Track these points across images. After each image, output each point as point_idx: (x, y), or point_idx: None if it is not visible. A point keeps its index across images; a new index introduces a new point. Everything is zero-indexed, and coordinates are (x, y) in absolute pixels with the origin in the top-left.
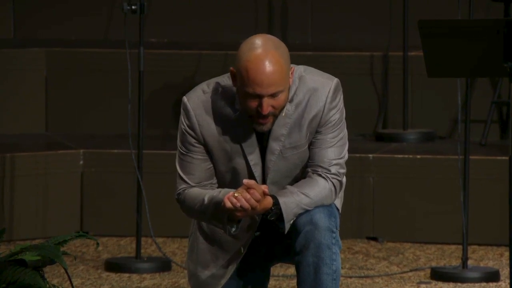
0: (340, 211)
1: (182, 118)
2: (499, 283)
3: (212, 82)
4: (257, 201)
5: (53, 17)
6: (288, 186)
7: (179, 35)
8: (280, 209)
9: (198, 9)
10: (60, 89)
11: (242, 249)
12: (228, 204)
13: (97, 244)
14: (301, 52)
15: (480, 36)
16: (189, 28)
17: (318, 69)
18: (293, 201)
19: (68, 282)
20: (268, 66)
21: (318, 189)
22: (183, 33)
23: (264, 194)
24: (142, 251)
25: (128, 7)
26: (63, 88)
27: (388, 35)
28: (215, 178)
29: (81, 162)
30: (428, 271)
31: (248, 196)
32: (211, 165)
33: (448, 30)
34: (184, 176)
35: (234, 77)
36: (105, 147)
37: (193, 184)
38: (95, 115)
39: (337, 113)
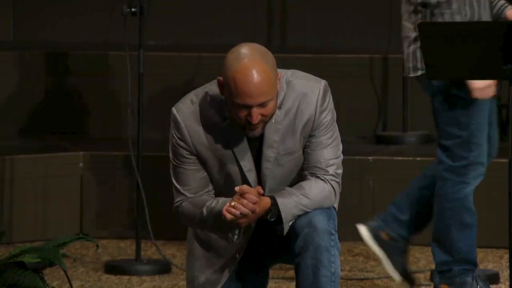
0: (336, 210)
1: (173, 131)
2: (499, 285)
3: (200, 91)
4: (255, 203)
5: (53, 19)
6: (287, 188)
7: (179, 37)
8: (278, 209)
9: (198, 11)
10: (60, 91)
11: (237, 255)
12: (229, 216)
13: (97, 246)
14: (300, 54)
15: (480, 38)
16: (189, 31)
17: (318, 71)
18: (291, 202)
19: (68, 284)
20: (256, 77)
21: (317, 190)
22: (183, 35)
23: (259, 193)
24: (142, 253)
25: (128, 10)
26: (62, 90)
27: (387, 37)
28: (210, 185)
29: (81, 165)
30: (428, 273)
31: (245, 201)
32: (205, 173)
33: (447, 32)
34: (180, 188)
35: (222, 86)
36: (104, 149)
37: (189, 195)
38: (94, 118)
39: (329, 115)
